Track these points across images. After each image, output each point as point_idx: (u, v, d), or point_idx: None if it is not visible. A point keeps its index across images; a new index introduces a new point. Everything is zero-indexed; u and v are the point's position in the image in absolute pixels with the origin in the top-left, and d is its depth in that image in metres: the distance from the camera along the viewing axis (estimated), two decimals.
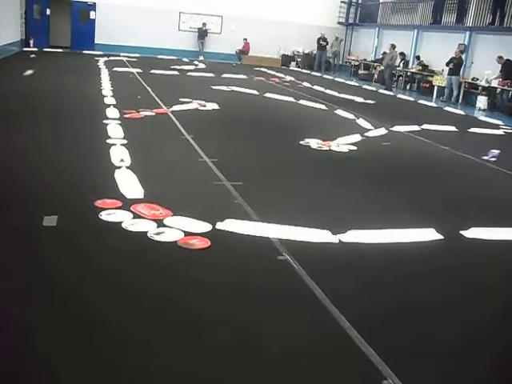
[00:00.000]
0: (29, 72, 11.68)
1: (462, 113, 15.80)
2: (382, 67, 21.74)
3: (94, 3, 24.55)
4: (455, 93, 18.30)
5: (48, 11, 24.05)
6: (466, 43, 19.11)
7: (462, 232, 5.30)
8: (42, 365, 2.85)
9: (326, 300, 3.72)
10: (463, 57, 18.44)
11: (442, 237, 5.13)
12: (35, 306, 3.37)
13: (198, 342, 3.17)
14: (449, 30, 20.57)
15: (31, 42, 23.13)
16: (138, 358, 2.97)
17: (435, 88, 19.52)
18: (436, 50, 20.61)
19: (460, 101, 18.29)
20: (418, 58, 21.66)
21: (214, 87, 15.28)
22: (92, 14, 24.65)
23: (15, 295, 3.49)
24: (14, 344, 2.98)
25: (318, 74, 23.97)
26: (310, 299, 3.76)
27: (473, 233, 5.31)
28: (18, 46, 21.76)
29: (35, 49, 22.63)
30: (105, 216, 4.86)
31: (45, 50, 22.82)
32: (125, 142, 7.59)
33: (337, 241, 4.79)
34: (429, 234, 5.16)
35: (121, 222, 4.75)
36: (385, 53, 22.25)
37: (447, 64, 18.23)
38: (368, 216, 5.64)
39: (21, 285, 3.62)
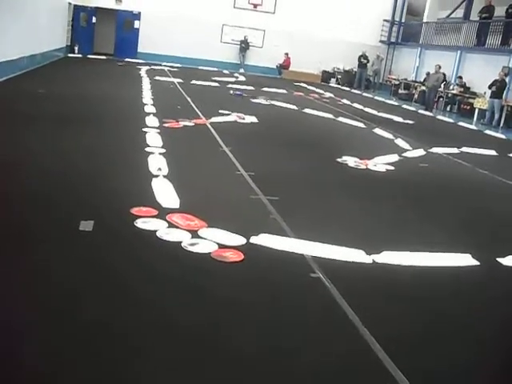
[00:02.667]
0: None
1: (503, 137, 15.55)
2: (424, 87, 21.55)
3: (139, 13, 25.01)
4: (497, 116, 18.02)
5: (94, 19, 24.61)
6: (510, 66, 18.84)
7: (499, 259, 5.19)
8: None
9: (357, 320, 3.68)
10: (507, 80, 18.18)
11: (477, 263, 5.03)
12: (57, 309, 3.42)
13: (219, 350, 3.18)
14: (493, 52, 20.31)
15: (76, 48, 23.68)
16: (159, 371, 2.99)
17: (476, 110, 19.28)
18: (478, 71, 20.37)
19: (501, 124, 18.00)
20: (460, 77, 21.42)
21: (253, 100, 15.36)
22: (136, 24, 25.14)
23: (42, 298, 3.55)
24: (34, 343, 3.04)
25: (358, 92, 23.90)
26: (342, 319, 3.72)
27: (510, 260, 5.20)
28: (64, 51, 22.28)
29: (79, 55, 23.13)
30: (140, 224, 4.91)
31: (89, 56, 23.30)
32: (163, 150, 7.67)
33: (370, 261, 4.74)
34: (464, 260, 5.07)
35: (156, 231, 4.79)
36: (428, 73, 22.07)
37: (490, 86, 17.99)
38: (403, 237, 5.58)
39: (49, 287, 3.68)
